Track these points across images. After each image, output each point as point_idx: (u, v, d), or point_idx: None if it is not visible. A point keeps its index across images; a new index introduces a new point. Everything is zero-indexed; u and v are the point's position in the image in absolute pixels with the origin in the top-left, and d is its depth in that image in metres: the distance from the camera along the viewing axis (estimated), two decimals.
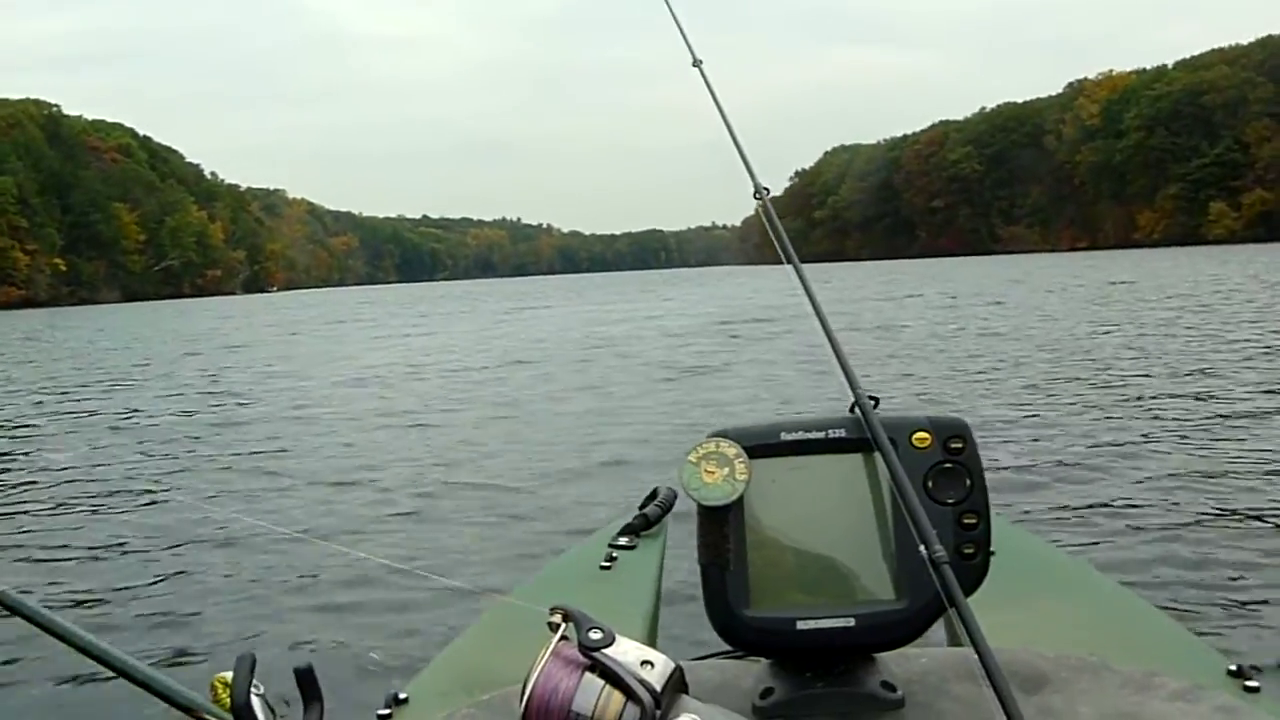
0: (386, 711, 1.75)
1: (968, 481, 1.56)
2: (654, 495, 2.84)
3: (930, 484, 1.55)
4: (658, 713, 1.14)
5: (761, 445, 1.57)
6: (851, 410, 1.60)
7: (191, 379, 20.64)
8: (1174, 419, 10.22)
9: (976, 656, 1.25)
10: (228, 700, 1.13)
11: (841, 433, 1.58)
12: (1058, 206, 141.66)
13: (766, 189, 2.09)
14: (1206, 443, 9.03)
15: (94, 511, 8.76)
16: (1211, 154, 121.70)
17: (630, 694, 1.14)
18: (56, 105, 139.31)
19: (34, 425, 14.69)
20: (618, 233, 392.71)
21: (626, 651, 1.17)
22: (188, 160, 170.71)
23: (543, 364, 19.53)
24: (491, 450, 10.70)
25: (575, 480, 8.87)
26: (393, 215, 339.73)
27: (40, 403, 17.44)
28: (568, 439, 11.04)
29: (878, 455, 1.54)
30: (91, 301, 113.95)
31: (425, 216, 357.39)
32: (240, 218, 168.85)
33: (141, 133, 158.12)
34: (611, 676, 1.15)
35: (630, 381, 16.13)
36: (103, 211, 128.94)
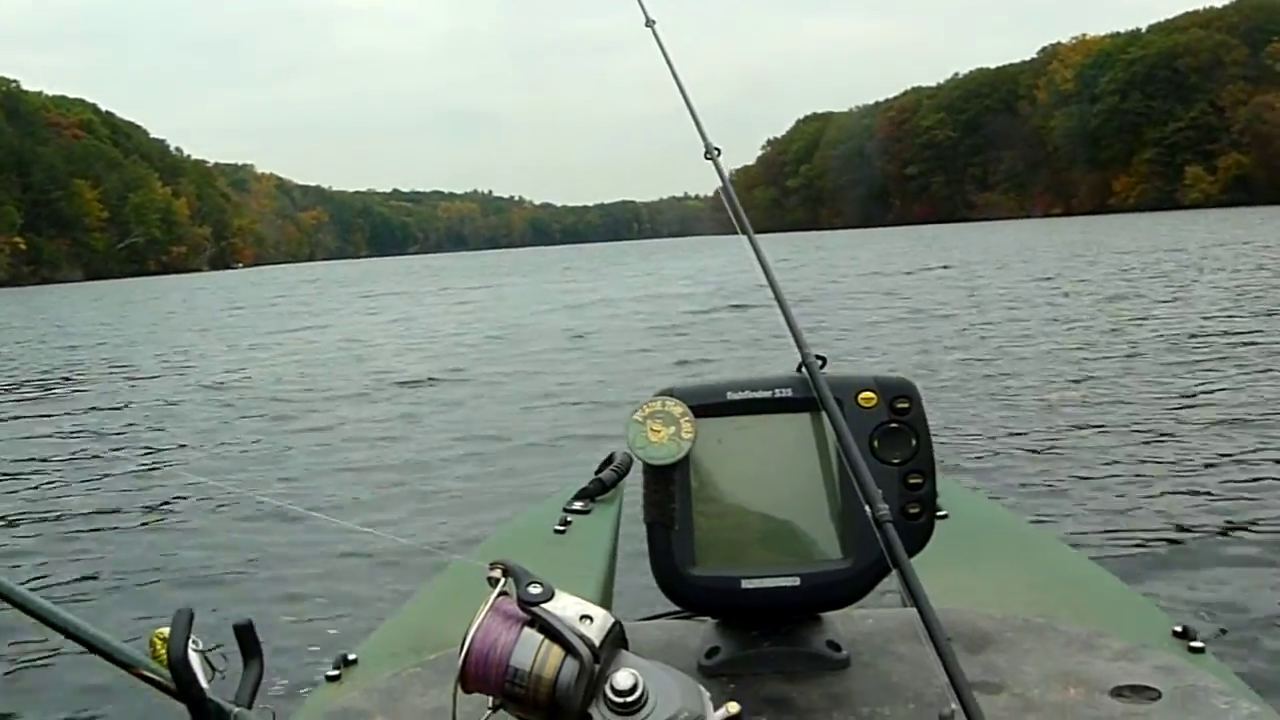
0: (335, 672, 1.76)
1: (913, 442, 1.56)
2: (610, 460, 2.85)
3: (876, 444, 1.56)
4: (596, 667, 1.14)
5: (708, 404, 1.57)
6: (799, 370, 1.60)
7: (135, 357, 20.59)
8: (1124, 382, 10.31)
9: (919, 617, 1.26)
10: (165, 656, 1.13)
11: (788, 392, 1.58)
12: (1032, 172, 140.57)
13: (718, 148, 2.08)
14: (1160, 404, 9.08)
15: (38, 475, 8.75)
16: (1187, 118, 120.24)
17: (569, 648, 1.14)
18: (15, 81, 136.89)
19: None
20: (590, 204, 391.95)
21: (565, 606, 1.17)
22: (152, 136, 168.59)
23: (509, 338, 19.37)
24: (447, 419, 10.64)
25: (532, 447, 8.83)
26: (363, 189, 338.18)
27: None
28: (524, 408, 11.03)
29: (824, 415, 1.54)
30: (53, 280, 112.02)
31: (396, 190, 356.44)
32: (206, 193, 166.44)
33: (104, 109, 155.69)
34: (550, 631, 1.15)
35: (593, 348, 16.24)
36: (64, 189, 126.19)
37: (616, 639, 1.18)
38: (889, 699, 1.50)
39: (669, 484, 1.56)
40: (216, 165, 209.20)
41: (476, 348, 17.65)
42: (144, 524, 6.84)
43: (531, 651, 1.14)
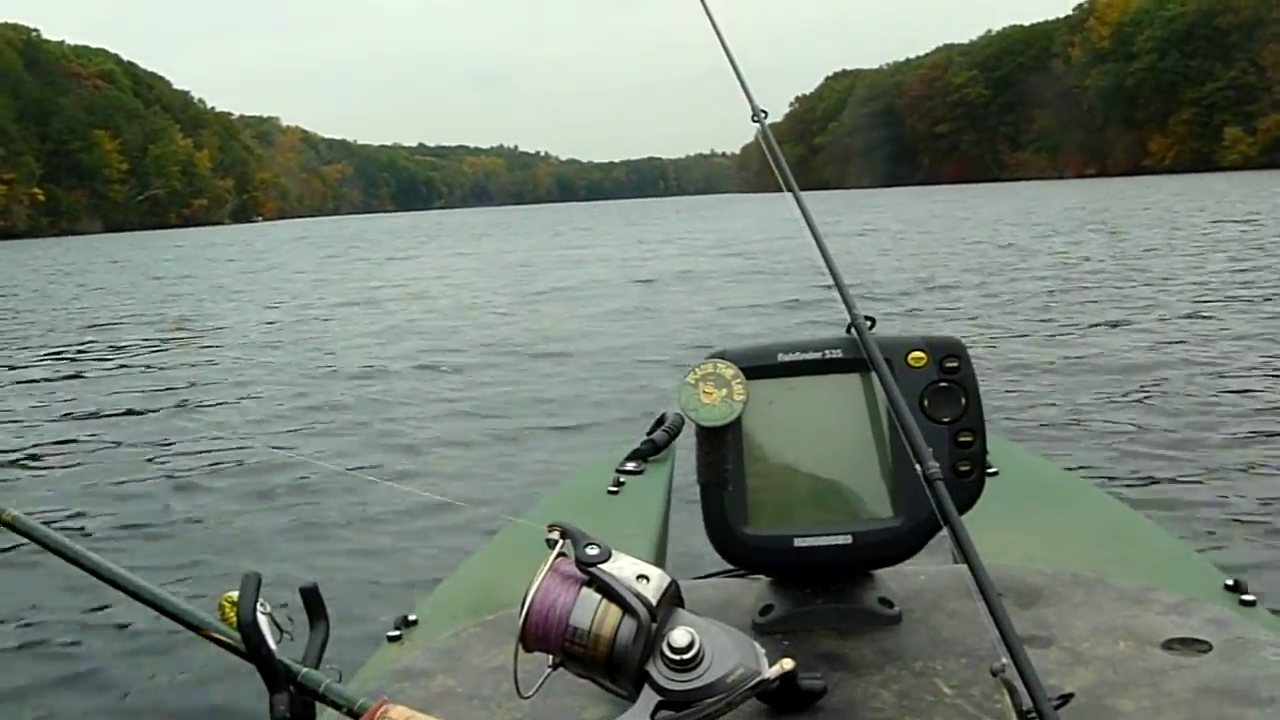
0: (396, 633, 1.80)
1: (963, 400, 1.59)
2: (661, 421, 2.90)
3: (926, 403, 1.58)
4: (653, 625, 1.16)
5: (758, 366, 1.60)
6: (848, 331, 1.62)
7: (193, 312, 20.47)
8: (1176, 339, 10.26)
9: (970, 573, 1.28)
10: (234, 619, 1.15)
11: (838, 353, 1.61)
12: (1065, 132, 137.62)
13: (765, 111, 2.10)
14: (1212, 362, 9.07)
15: (102, 439, 8.84)
16: (1226, 77, 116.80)
17: (626, 607, 1.16)
18: (35, 30, 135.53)
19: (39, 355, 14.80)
20: (616, 160, 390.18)
21: (623, 567, 1.19)
22: (175, 87, 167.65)
23: (559, 295, 19.41)
24: (501, 379, 10.73)
25: (585, 408, 8.88)
26: (388, 143, 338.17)
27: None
28: (577, 367, 11.07)
29: (874, 375, 1.56)
30: (72, 232, 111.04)
31: (421, 145, 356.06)
32: (229, 146, 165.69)
33: (126, 59, 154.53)
34: (608, 591, 1.17)
35: (640, 307, 16.21)
36: (83, 140, 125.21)
37: (673, 598, 1.20)
38: (941, 654, 1.52)
39: (721, 445, 1.58)
40: (241, 118, 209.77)
41: (527, 308, 17.54)
42: (210, 489, 6.96)
43: (590, 611, 1.17)
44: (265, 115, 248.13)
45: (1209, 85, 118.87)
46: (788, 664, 1.19)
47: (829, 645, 1.57)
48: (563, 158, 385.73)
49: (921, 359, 1.59)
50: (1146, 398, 7.88)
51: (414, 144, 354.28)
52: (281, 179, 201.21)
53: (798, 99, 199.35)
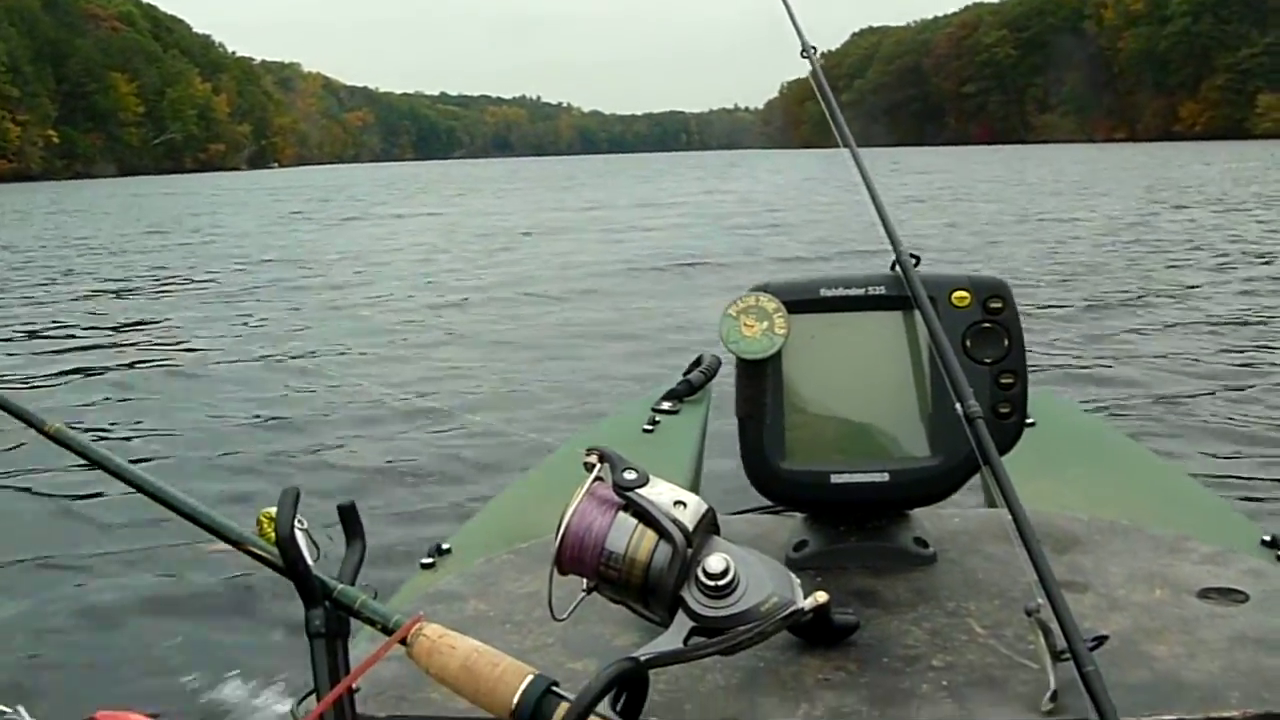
0: (430, 560, 1.84)
1: (1006, 342, 1.58)
2: (699, 362, 2.96)
3: (968, 343, 1.57)
4: (689, 551, 1.16)
5: (801, 300, 1.59)
6: (892, 268, 1.61)
7: (243, 246, 21.23)
8: (1218, 296, 10.36)
9: (1009, 515, 1.28)
10: (273, 534, 1.16)
11: (881, 290, 1.60)
12: (1095, 95, 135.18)
13: (814, 47, 2.06)
14: (1259, 322, 9.12)
15: (145, 357, 9.21)
16: (1262, 43, 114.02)
17: (663, 532, 1.16)
18: None
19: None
20: (638, 113, 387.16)
21: (660, 492, 1.18)
22: (195, 31, 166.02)
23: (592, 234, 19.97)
24: (538, 315, 10.87)
25: (623, 344, 9.00)
26: (410, 91, 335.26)
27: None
28: (616, 305, 11.27)
29: (917, 313, 1.55)
30: (86, 175, 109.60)
31: (443, 93, 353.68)
32: (247, 91, 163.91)
33: (146, 0, 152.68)
34: (644, 516, 1.17)
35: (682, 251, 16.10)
36: (99, 82, 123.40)
37: (709, 525, 1.20)
38: (974, 595, 1.53)
39: (761, 379, 1.58)
40: (263, 63, 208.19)
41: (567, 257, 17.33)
42: (252, 409, 7.07)
43: (626, 535, 1.16)
44: (287, 61, 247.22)
45: (1244, 50, 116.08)
46: (822, 597, 1.19)
47: (862, 582, 1.57)
48: (585, 109, 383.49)
49: (965, 298, 1.57)
50: (1192, 355, 7.84)
51: (436, 93, 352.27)
52: (301, 125, 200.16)
53: (823, 55, 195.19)
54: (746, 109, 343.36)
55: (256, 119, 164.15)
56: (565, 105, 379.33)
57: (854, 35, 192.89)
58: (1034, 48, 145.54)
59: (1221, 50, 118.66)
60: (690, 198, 32.36)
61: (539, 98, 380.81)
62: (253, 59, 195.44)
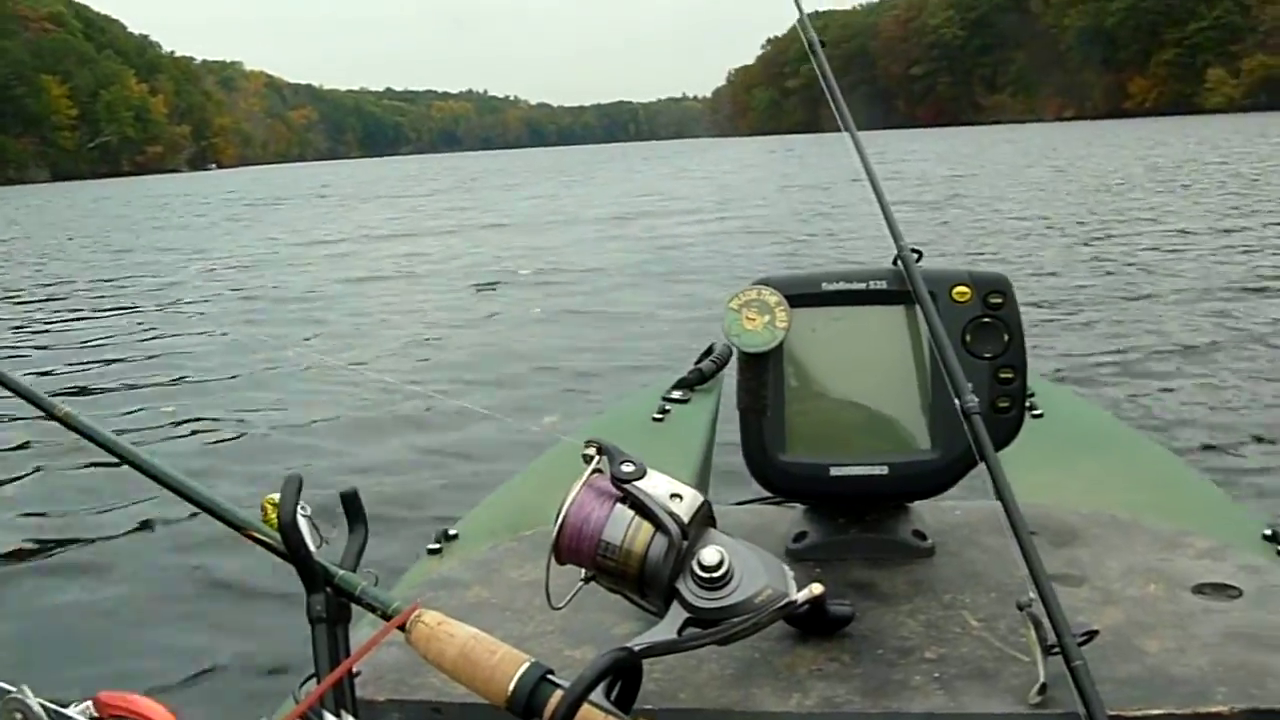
0: (436, 546, 1.86)
1: (1005, 337, 1.60)
2: (710, 351, 2.94)
3: (968, 338, 1.59)
4: (684, 544, 1.18)
5: (803, 294, 1.61)
6: (894, 263, 1.63)
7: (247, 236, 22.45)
8: (1219, 286, 10.10)
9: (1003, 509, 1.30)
10: (276, 520, 1.18)
11: (883, 284, 1.62)
12: (1043, 74, 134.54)
13: (823, 40, 2.08)
14: (1266, 310, 8.91)
15: (153, 344, 9.51)
16: (1210, 16, 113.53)
17: (659, 524, 1.18)
18: None
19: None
20: (586, 104, 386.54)
21: (657, 485, 1.21)
22: (131, 31, 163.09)
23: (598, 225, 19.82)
24: (545, 305, 10.73)
25: (632, 335, 8.91)
26: (355, 88, 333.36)
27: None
28: (625, 295, 11.19)
29: (917, 308, 1.57)
30: (19, 181, 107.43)
31: (389, 89, 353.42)
32: (186, 91, 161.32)
33: (78, 0, 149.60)
34: (641, 508, 1.19)
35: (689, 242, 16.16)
36: (29, 85, 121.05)
37: (705, 518, 1.22)
38: (971, 587, 1.54)
39: (762, 371, 1.59)
40: (204, 63, 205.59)
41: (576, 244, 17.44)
42: (258, 397, 7.15)
43: (623, 527, 1.19)
44: (228, 60, 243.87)
45: (1191, 25, 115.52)
46: (817, 589, 1.20)
47: (860, 574, 1.60)
48: (533, 102, 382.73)
49: (966, 294, 1.60)
50: (1196, 348, 7.63)
51: (381, 88, 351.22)
52: (244, 125, 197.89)
53: (770, 40, 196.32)
54: (695, 98, 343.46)
55: (196, 119, 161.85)
56: (513, 98, 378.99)
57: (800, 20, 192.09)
58: (981, 28, 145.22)
59: (1169, 25, 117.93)
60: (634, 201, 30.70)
61: (486, 91, 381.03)
62: (193, 59, 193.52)
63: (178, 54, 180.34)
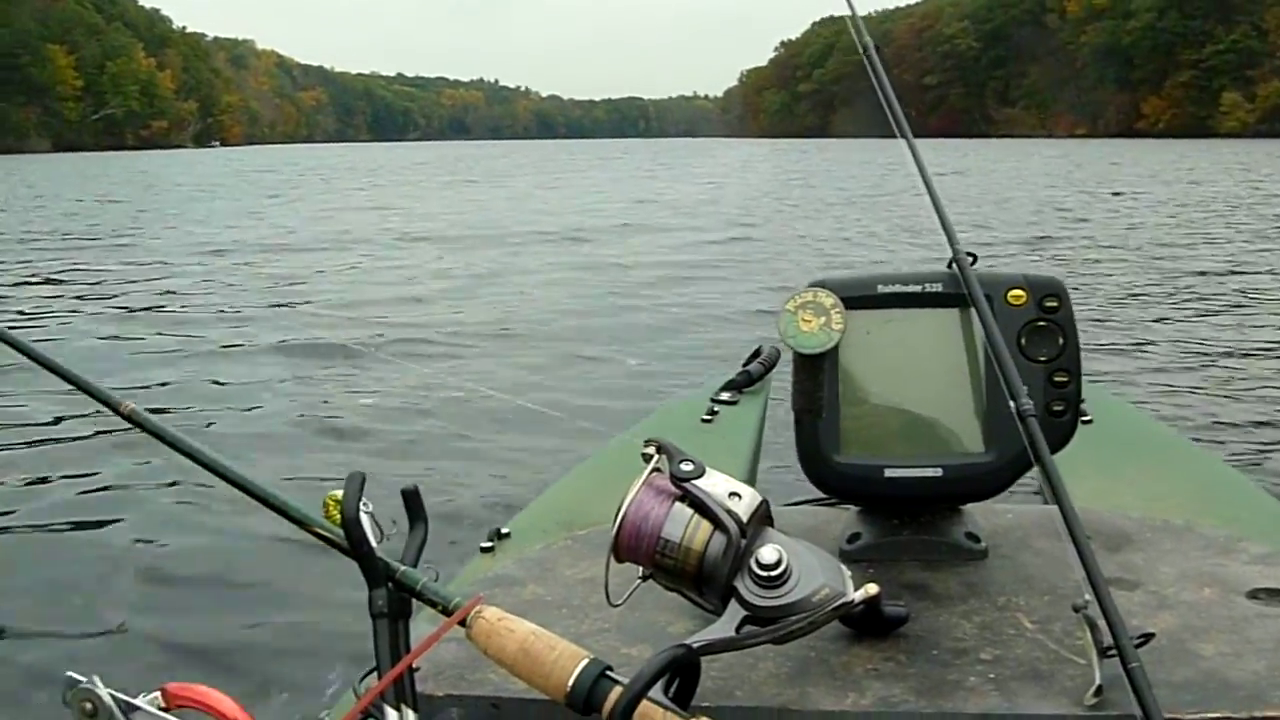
0: (489, 544, 1.88)
1: (1060, 340, 1.61)
2: (758, 353, 2.99)
3: (1023, 341, 1.60)
4: (743, 542, 1.18)
5: (858, 297, 1.62)
6: (949, 266, 1.65)
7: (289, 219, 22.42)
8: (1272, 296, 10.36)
9: (1060, 511, 1.31)
10: (338, 516, 1.18)
11: (938, 287, 1.63)
12: (1057, 89, 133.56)
13: (877, 46, 2.16)
14: None
15: (211, 339, 9.25)
16: (1227, 40, 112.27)
17: (718, 523, 1.19)
18: None
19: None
20: (597, 99, 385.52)
21: (716, 484, 1.21)
22: (141, 4, 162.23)
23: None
24: (593, 305, 10.76)
25: (683, 335, 8.99)
26: (366, 71, 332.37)
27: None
28: (676, 296, 11.07)
29: (972, 311, 1.59)
30: (20, 150, 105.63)
31: (400, 74, 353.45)
32: (194, 66, 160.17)
33: None
34: (700, 506, 1.20)
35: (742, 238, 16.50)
36: (35, 54, 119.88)
37: (763, 517, 1.22)
38: (1024, 590, 1.55)
39: (817, 373, 1.61)
40: (215, 39, 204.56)
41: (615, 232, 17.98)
42: (321, 394, 7.16)
43: (682, 525, 1.19)
44: (240, 38, 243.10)
45: (1208, 48, 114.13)
46: (873, 589, 1.20)
47: (914, 575, 1.60)
48: (543, 94, 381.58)
49: (1021, 297, 1.60)
50: (1248, 354, 7.84)
51: (392, 73, 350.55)
52: (253, 103, 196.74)
53: (783, 44, 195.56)
54: (706, 96, 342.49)
55: (203, 96, 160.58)
56: (523, 89, 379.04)
57: (815, 24, 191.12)
58: (996, 40, 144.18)
59: (1186, 46, 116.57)
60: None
61: (497, 81, 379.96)
62: (204, 35, 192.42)
63: (189, 29, 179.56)
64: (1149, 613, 1.45)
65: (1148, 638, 1.21)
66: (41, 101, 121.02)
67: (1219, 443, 5.44)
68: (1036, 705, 1.26)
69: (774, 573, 1.16)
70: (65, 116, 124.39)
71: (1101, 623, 1.22)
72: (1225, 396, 6.55)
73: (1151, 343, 8.28)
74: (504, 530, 1.91)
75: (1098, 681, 1.23)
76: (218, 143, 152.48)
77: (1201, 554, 1.63)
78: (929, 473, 1.60)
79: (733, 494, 1.20)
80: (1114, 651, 1.18)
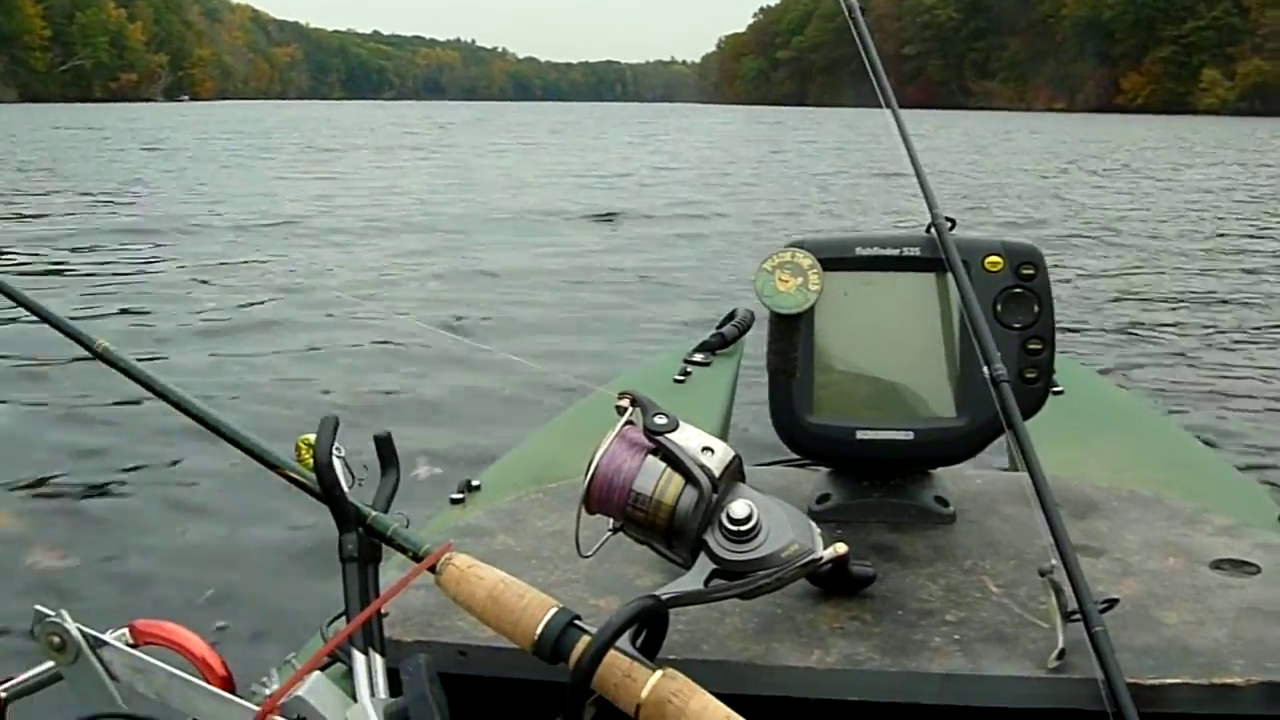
0: (459, 496, 1.90)
1: (1036, 308, 1.61)
2: (732, 316, 3.02)
3: (999, 307, 1.60)
4: (714, 496, 1.18)
5: (836, 258, 1.62)
6: (928, 230, 1.64)
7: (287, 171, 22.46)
8: (1245, 270, 10.43)
9: (1029, 478, 1.33)
10: (310, 460, 1.18)
11: (916, 251, 1.63)
12: (1036, 63, 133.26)
13: (862, 6, 2.06)
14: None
15: (181, 283, 9.23)
16: (1208, 16, 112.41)
17: (689, 477, 1.18)
18: None
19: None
20: (574, 61, 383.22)
21: (689, 438, 1.21)
22: None
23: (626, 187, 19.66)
24: (572, 263, 10.67)
25: (658, 297, 8.95)
26: (342, 28, 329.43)
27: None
28: (652, 257, 11.15)
29: (949, 276, 1.59)
30: None
31: (376, 32, 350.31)
32: (165, 19, 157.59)
33: None
34: (673, 460, 1.19)
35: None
36: (2, 3, 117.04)
37: (735, 472, 1.22)
38: (991, 554, 1.56)
39: (793, 333, 1.61)
40: None
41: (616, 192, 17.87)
42: (294, 339, 7.17)
43: (654, 478, 1.19)
44: None
45: (1189, 23, 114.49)
46: (841, 548, 1.20)
47: (882, 537, 1.61)
48: (520, 55, 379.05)
49: (998, 263, 1.60)
50: (1222, 329, 7.86)
51: (368, 31, 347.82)
52: (226, 57, 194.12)
53: (762, 10, 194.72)
54: (684, 62, 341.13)
55: (174, 49, 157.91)
56: (500, 50, 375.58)
57: None
58: (976, 11, 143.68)
59: (1167, 22, 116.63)
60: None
61: (474, 41, 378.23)
62: None
63: None
64: (1113, 580, 1.46)
65: (1111, 603, 1.24)
66: (8, 51, 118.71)
67: (1185, 413, 5.58)
68: (1000, 667, 1.28)
69: (744, 527, 1.16)
70: (32, 66, 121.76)
71: (1066, 588, 1.23)
72: (1193, 370, 6.65)
73: (1123, 316, 8.31)
74: (475, 482, 1.92)
75: (1060, 645, 1.24)
76: (188, 97, 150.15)
77: (1167, 524, 1.64)
78: (900, 435, 1.60)
79: (706, 448, 1.19)
80: (1078, 616, 1.20)
